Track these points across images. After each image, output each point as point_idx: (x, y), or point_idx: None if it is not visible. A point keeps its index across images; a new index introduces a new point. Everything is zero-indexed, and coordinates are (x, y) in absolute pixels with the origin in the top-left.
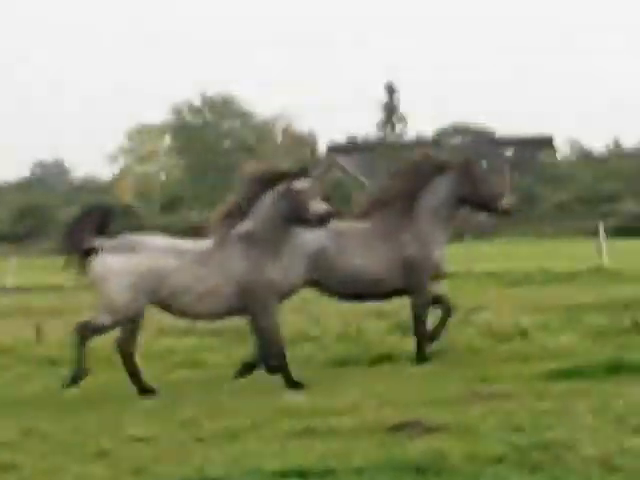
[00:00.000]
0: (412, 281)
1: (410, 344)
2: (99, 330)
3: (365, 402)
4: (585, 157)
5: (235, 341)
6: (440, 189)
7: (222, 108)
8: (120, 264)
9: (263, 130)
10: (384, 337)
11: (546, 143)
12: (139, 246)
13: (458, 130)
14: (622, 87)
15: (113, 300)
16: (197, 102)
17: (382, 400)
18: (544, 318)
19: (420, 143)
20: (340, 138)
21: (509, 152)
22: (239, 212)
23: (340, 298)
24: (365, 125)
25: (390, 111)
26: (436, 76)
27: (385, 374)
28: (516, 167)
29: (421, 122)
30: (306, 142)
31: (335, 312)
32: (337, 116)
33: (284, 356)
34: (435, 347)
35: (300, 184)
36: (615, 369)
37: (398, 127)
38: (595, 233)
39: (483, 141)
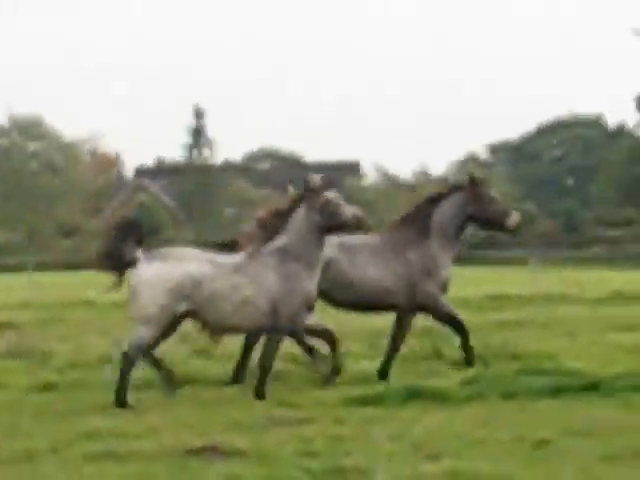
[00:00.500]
0: (423, 299)
1: (211, 368)
2: (142, 345)
3: (165, 426)
4: (391, 183)
5: (37, 363)
6: (448, 208)
7: (29, 129)
8: (155, 271)
9: (71, 152)
10: (186, 360)
11: (353, 168)
12: (175, 256)
13: (267, 155)
14: (429, 112)
15: (148, 308)
16: (4, 123)
17: (182, 424)
18: (347, 344)
19: (228, 167)
20: (148, 161)
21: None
22: (271, 228)
23: (348, 309)
24: (174, 149)
25: (197, 135)
26: (246, 102)
27: (186, 398)
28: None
29: (230, 147)
30: (113, 164)
31: None
32: (146, 139)
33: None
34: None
35: (330, 193)
36: (415, 395)
37: (205, 151)
38: None
39: (291, 166)
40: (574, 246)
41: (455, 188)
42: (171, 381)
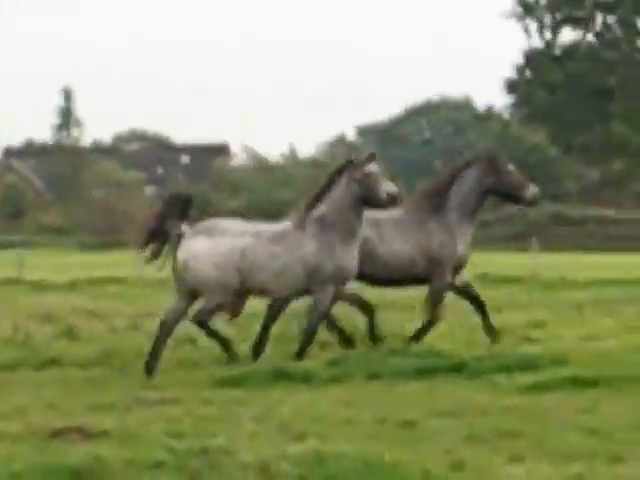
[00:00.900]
0: (434, 269)
1: (76, 349)
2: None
3: (31, 407)
4: (260, 164)
5: None
6: (467, 182)
7: None
8: (202, 246)
9: None
10: (51, 342)
11: (221, 150)
12: (217, 229)
13: (136, 136)
14: (302, 97)
15: (202, 283)
16: None
17: (47, 405)
18: (216, 325)
19: (97, 148)
20: (17, 142)
21: (185, 159)
22: (318, 200)
23: (375, 284)
24: (44, 129)
25: (66, 116)
26: (116, 84)
27: (52, 379)
28: (192, 174)
29: (99, 128)
30: None
31: (3, 316)
32: (16, 120)
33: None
34: (102, 352)
35: (371, 167)
36: (281, 376)
37: (74, 132)
38: None
39: (160, 147)
40: None
41: (473, 162)
42: (230, 350)
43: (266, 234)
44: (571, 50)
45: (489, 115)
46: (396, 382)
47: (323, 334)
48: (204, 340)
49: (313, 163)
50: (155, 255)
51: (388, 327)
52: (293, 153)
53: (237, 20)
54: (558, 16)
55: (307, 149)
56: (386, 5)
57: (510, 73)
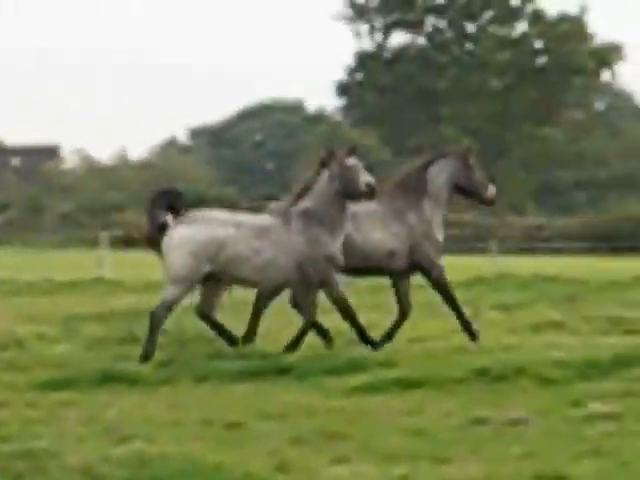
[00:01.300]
0: (421, 260)
1: None
2: (170, 304)
3: None
4: (91, 167)
5: None
6: (440, 175)
7: None
8: (180, 234)
9: None
10: None
11: (52, 152)
12: (201, 219)
13: None
14: (134, 101)
15: (175, 269)
16: None
17: None
18: (41, 328)
19: None
20: None
21: (16, 161)
22: (303, 193)
23: (355, 274)
24: None
25: None
26: None
27: None
28: (23, 176)
29: None
30: None
31: None
32: None
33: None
34: None
35: (351, 160)
36: (109, 379)
37: None
38: (98, 243)
39: None
40: None
41: (447, 154)
42: (229, 335)
43: (249, 226)
44: (401, 53)
45: (320, 118)
46: (223, 384)
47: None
48: (32, 342)
49: (144, 165)
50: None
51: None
52: (124, 155)
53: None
54: (389, 19)
55: (139, 152)
56: (216, 8)
57: (341, 76)
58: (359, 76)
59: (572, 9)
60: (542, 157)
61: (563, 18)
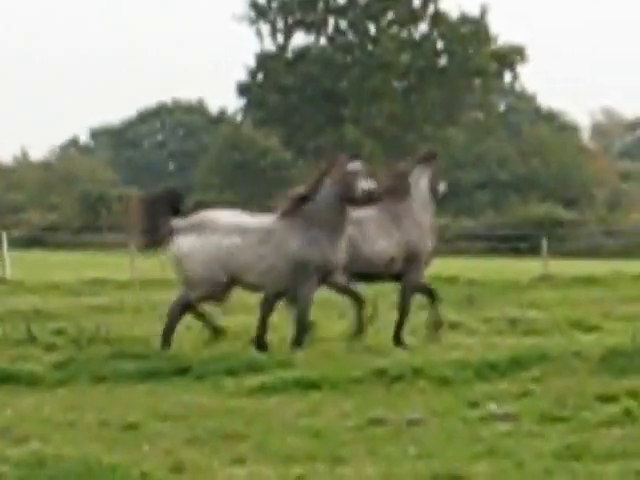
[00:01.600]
0: (410, 264)
1: None
2: (186, 304)
3: None
4: None
5: None
6: (422, 178)
7: None
8: (192, 245)
9: None
10: None
11: None
12: (208, 225)
13: None
14: (31, 95)
15: (192, 277)
16: None
17: None
18: None
19: None
20: None
21: None
22: (306, 197)
23: (358, 280)
24: None
25: None
26: None
27: None
28: None
29: None
30: None
31: None
32: None
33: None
34: None
35: (353, 166)
36: (6, 379)
37: None
38: None
39: None
40: None
41: (426, 159)
42: (218, 330)
43: (254, 233)
44: (303, 54)
45: (221, 118)
46: (120, 385)
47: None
48: None
49: (45, 166)
50: (150, 249)
51: (116, 330)
52: (25, 156)
53: None
54: (290, 20)
55: (40, 152)
56: (120, 5)
57: (243, 76)
58: (261, 77)
59: (473, 11)
60: (444, 158)
61: (464, 20)
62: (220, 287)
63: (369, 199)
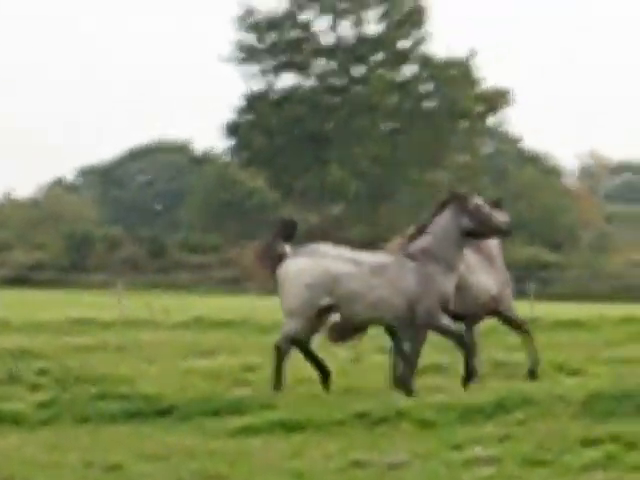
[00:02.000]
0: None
1: None
2: (292, 337)
3: None
4: None
5: None
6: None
7: None
8: (299, 267)
9: None
10: None
11: None
12: (319, 253)
13: None
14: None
15: (292, 301)
16: None
17: None
18: None
19: None
20: None
21: None
22: (421, 232)
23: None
24: None
25: None
26: None
27: None
28: None
29: None
30: None
31: None
32: None
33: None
34: None
35: (478, 199)
36: None
37: None
38: None
39: None
40: (160, 271)
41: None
42: (325, 374)
43: (367, 264)
44: (290, 95)
45: (207, 158)
46: (104, 426)
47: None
48: None
49: (31, 203)
50: (262, 271)
51: (100, 369)
52: (11, 194)
53: None
54: (278, 61)
55: (26, 191)
56: (110, 40)
57: (230, 117)
58: (248, 117)
59: (460, 53)
60: (428, 201)
61: (451, 62)
62: (319, 313)
63: (508, 232)
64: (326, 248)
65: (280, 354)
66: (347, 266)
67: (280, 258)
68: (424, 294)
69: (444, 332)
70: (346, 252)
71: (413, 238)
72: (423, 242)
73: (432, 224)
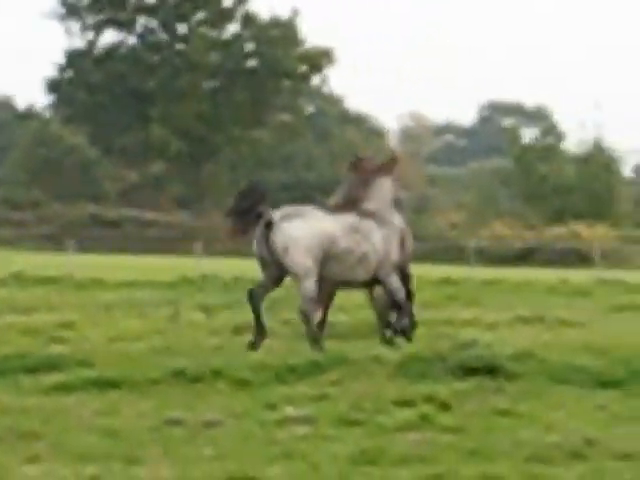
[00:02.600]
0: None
1: None
2: (312, 297)
3: None
4: None
5: None
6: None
7: None
8: (301, 229)
9: None
10: None
11: None
12: (308, 214)
13: None
14: None
15: (304, 262)
16: None
17: None
18: None
19: None
20: None
21: None
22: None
23: None
24: None
25: None
26: None
27: None
28: None
29: None
30: None
31: None
32: None
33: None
34: None
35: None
36: None
37: None
38: None
39: None
40: None
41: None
42: (262, 336)
43: (344, 222)
44: (112, 51)
45: (29, 114)
46: None
47: None
48: None
49: None
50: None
51: None
52: None
53: None
54: (100, 17)
55: None
56: None
57: (52, 73)
58: (69, 74)
59: (284, 13)
60: (250, 159)
61: (274, 22)
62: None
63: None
64: (306, 209)
65: (307, 317)
66: (337, 225)
67: (264, 222)
68: (386, 252)
69: (393, 289)
70: (326, 213)
71: (341, 207)
72: (372, 205)
73: (371, 189)
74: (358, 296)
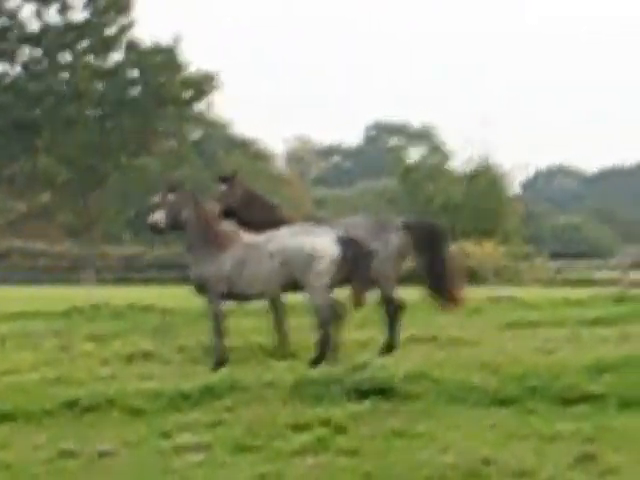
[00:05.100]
0: None
1: None
2: (329, 304)
3: None
4: None
5: None
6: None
7: None
8: (324, 243)
9: None
10: None
11: None
12: (322, 230)
13: None
14: None
15: (324, 277)
16: None
17: None
18: None
19: None
20: None
21: None
22: None
23: None
24: None
25: None
26: None
27: None
28: None
29: None
30: None
31: None
32: None
33: None
34: None
35: None
36: None
37: None
38: None
39: None
40: None
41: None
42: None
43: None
44: None
45: None
46: None
47: None
48: None
49: None
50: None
51: None
52: None
53: None
54: None
55: None
56: None
57: None
58: None
59: (166, 39)
60: (138, 186)
61: (156, 48)
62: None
63: None
64: (310, 226)
65: (327, 324)
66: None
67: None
68: None
69: None
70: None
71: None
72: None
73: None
74: (251, 321)
